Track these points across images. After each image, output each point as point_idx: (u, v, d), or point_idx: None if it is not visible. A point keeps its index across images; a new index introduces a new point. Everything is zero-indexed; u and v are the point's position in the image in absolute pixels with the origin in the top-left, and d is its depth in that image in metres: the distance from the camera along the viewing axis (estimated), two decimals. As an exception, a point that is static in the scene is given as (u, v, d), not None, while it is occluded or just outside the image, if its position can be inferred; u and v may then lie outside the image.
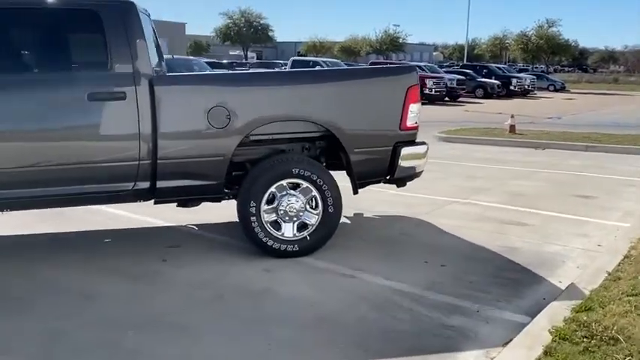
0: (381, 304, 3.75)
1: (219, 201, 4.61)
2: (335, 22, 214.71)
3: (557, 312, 3.40)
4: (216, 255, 4.64)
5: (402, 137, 4.69)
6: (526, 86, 33.88)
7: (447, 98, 26.35)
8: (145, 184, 4.22)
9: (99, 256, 4.58)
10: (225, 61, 36.30)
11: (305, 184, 4.46)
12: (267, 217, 4.43)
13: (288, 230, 4.48)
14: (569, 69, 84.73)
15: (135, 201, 4.45)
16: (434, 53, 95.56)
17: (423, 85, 25.09)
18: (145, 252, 4.68)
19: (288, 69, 21.74)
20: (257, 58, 57.15)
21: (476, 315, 3.60)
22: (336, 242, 4.70)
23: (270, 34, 65.59)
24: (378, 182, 4.88)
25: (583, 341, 3.01)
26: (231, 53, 61.66)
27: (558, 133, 13.16)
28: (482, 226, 5.59)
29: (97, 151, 4.11)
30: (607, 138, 11.97)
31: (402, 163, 4.67)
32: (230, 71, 17.72)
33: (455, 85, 27.00)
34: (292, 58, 29.85)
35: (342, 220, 5.68)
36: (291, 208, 4.44)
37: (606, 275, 3.99)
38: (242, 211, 4.41)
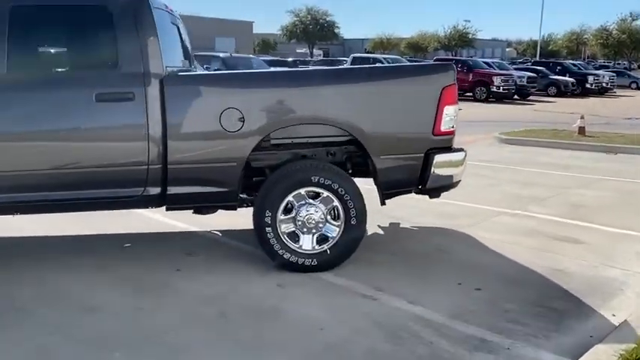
0: (397, 333, 3.32)
1: (235, 209, 4.32)
2: (404, 19, 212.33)
3: (602, 357, 2.86)
4: (233, 266, 4.35)
5: (436, 143, 4.22)
6: (604, 84, 31.69)
7: (516, 96, 25.21)
8: (156, 190, 4.01)
9: (112, 263, 4.40)
10: (289, 59, 36.32)
11: (325, 193, 4.10)
12: (284, 228, 4.10)
13: (307, 242, 4.14)
14: (656, 66, 79.38)
15: (145, 207, 4.25)
16: (507, 49, 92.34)
17: (489, 83, 24.13)
18: (160, 259, 4.47)
19: (347, 66, 21.33)
20: (323, 56, 57.06)
21: (505, 353, 3.10)
22: (362, 256, 4.30)
23: (336, 31, 65.52)
24: (409, 192, 4.43)
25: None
26: (297, 51, 62.03)
27: (635, 136, 11.93)
28: (531, 242, 5.01)
29: (105, 154, 3.92)
30: (692, 143, 10.80)
31: (436, 171, 4.22)
32: (290, 69, 17.51)
33: (525, 83, 25.70)
34: (352, 54, 29.40)
35: (375, 230, 5.29)
36: (310, 218, 4.10)
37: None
38: (257, 220, 4.10)
